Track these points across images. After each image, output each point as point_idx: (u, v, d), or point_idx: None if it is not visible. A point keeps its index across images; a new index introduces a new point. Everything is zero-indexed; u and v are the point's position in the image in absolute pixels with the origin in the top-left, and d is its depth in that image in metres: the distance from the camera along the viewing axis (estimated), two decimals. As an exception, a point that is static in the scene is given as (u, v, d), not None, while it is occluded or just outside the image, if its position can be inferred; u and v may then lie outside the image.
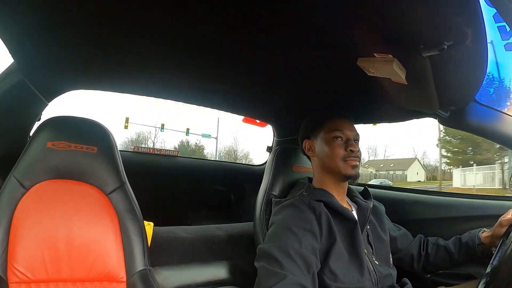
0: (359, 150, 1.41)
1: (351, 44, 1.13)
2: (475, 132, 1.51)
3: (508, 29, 0.86)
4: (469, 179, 23.42)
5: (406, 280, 1.44)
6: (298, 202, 1.33)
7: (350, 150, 1.38)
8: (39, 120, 1.65)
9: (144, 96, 1.96)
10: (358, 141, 1.45)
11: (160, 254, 1.65)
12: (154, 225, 1.67)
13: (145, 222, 1.51)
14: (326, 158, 1.41)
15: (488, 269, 1.10)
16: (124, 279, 1.35)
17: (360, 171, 1.44)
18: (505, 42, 1.10)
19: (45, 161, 1.36)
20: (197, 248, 1.81)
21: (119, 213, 1.41)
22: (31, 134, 1.58)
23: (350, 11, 0.95)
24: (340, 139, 1.40)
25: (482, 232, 1.42)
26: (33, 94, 1.53)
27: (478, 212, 1.67)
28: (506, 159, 19.98)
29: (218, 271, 1.76)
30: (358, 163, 1.41)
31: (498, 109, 1.40)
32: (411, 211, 1.86)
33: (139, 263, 1.39)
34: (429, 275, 1.59)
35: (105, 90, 1.87)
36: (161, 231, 1.76)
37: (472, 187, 21.10)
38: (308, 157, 1.55)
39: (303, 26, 1.08)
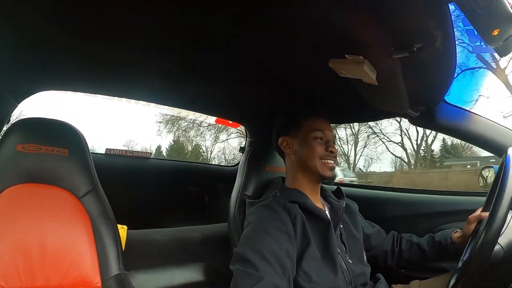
0: (337, 151, 1.44)
1: (323, 45, 1.14)
2: (445, 131, 1.55)
3: (476, 32, 0.88)
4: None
5: (379, 275, 1.47)
6: (273, 203, 1.32)
7: (330, 151, 1.40)
8: (8, 122, 1.60)
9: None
10: (335, 143, 1.47)
11: (135, 258, 1.63)
12: (128, 229, 1.65)
13: (119, 226, 1.48)
14: (305, 157, 1.42)
15: (460, 264, 1.13)
16: (99, 284, 1.33)
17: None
18: (473, 44, 1.13)
19: (15, 165, 1.32)
20: (172, 251, 1.80)
21: (91, 217, 1.38)
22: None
23: (322, 13, 0.96)
24: (320, 139, 1.42)
25: (455, 232, 1.45)
26: (1, 95, 1.49)
27: (449, 208, 1.71)
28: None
29: (194, 274, 1.76)
30: (334, 164, 1.44)
31: (466, 108, 1.45)
32: (384, 209, 1.90)
33: (114, 268, 1.36)
34: (402, 270, 1.62)
35: (77, 91, 1.83)
36: (135, 234, 1.75)
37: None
38: (282, 155, 1.55)
39: (274, 27, 1.08)
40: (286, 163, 1.53)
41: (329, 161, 1.41)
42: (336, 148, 1.45)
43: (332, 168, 1.42)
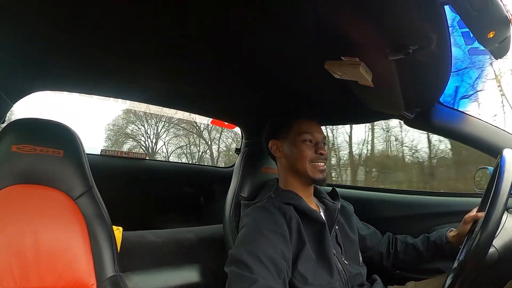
0: (327, 153, 1.44)
1: (319, 47, 1.14)
2: (440, 132, 1.56)
3: (471, 34, 0.89)
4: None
5: (375, 276, 1.47)
6: (268, 205, 1.32)
7: (320, 153, 1.40)
8: (3, 122, 1.59)
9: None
10: (325, 144, 1.47)
11: (131, 259, 1.63)
12: (123, 230, 1.64)
13: (114, 227, 1.47)
14: (295, 160, 1.42)
15: (455, 264, 1.13)
16: (95, 286, 1.31)
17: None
18: (469, 47, 1.13)
19: (10, 166, 1.30)
20: (167, 252, 1.80)
21: (87, 218, 1.37)
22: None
23: (318, 15, 0.96)
24: (309, 141, 1.41)
25: (450, 231, 1.45)
26: None
27: (444, 209, 1.71)
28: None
29: (190, 275, 1.75)
30: (325, 166, 1.44)
31: (461, 110, 1.45)
32: (379, 210, 1.91)
33: (109, 269, 1.35)
34: (398, 271, 1.62)
35: (73, 92, 1.83)
36: (131, 235, 1.74)
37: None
38: (273, 158, 1.55)
39: (270, 29, 1.08)
40: (277, 166, 1.54)
41: (319, 163, 1.41)
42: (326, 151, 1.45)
43: (323, 171, 1.42)
